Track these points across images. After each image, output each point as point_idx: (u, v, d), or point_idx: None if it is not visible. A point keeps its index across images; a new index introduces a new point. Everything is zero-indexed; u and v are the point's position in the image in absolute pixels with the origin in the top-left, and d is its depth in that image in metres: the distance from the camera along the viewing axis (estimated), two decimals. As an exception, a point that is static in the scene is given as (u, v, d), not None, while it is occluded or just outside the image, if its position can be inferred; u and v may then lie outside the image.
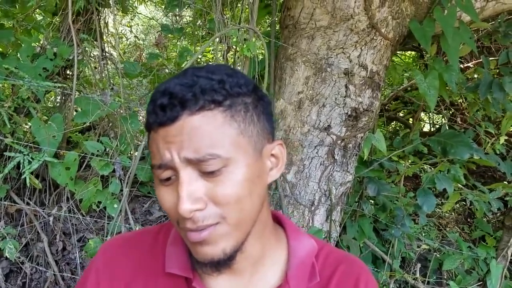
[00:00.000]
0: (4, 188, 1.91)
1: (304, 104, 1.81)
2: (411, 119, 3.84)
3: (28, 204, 2.02)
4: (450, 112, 3.55)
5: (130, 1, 3.39)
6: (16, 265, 1.94)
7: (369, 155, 2.10)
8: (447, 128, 2.85)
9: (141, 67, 2.34)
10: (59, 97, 2.46)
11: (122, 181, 1.88)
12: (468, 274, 2.61)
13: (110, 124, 2.31)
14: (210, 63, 3.22)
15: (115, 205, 1.86)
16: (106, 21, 2.40)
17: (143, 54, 4.51)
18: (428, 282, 2.49)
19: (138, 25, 4.91)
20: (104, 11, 2.33)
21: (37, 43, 2.18)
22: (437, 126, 4.17)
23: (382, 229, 2.59)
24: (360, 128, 1.86)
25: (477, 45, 3.05)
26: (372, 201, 2.50)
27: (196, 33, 2.80)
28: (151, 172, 2.06)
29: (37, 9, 2.40)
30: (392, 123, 4.41)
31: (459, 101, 3.54)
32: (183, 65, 2.31)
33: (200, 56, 2.96)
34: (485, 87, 2.15)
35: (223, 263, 0.61)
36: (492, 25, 2.39)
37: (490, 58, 2.49)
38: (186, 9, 3.09)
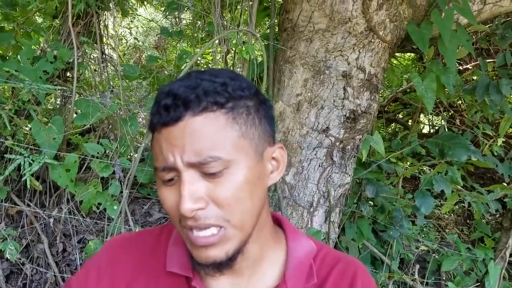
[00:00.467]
0: (4, 190, 1.92)
1: (303, 106, 1.82)
2: (410, 120, 3.85)
3: (28, 205, 2.03)
4: (449, 114, 3.56)
5: (130, 3, 3.40)
6: (16, 266, 1.95)
7: (368, 157, 2.11)
8: (446, 130, 2.86)
9: (141, 69, 2.35)
10: (59, 100, 2.47)
11: (122, 183, 1.89)
12: (466, 275, 2.62)
13: (110, 126, 2.33)
14: (209, 65, 3.23)
15: (115, 207, 1.88)
16: (106, 24, 2.41)
17: (143, 56, 4.52)
18: (427, 283, 2.50)
19: (137, 27, 4.92)
20: (104, 14, 2.35)
21: (38, 46, 2.19)
22: (437, 127, 4.19)
23: (381, 231, 2.60)
24: (359, 130, 1.87)
25: (476, 47, 3.07)
26: (371, 203, 2.51)
27: (195, 35, 2.81)
28: (151, 174, 2.07)
29: (37, 12, 2.41)
30: (392, 125, 4.42)
31: (458, 102, 3.55)
32: (182, 67, 2.32)
33: (199, 58, 2.97)
34: (483, 89, 2.17)
35: (225, 264, 0.62)
36: (490, 27, 2.40)
37: (489, 60, 2.50)
38: (185, 11, 3.10)
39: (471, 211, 3.54)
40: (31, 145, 1.80)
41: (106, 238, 1.89)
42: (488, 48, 3.07)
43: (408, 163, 2.63)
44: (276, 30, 2.06)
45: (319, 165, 1.83)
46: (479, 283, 2.54)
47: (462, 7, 1.77)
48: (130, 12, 3.67)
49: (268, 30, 2.12)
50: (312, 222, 1.86)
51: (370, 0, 1.72)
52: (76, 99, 1.93)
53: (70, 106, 2.08)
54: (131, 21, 4.53)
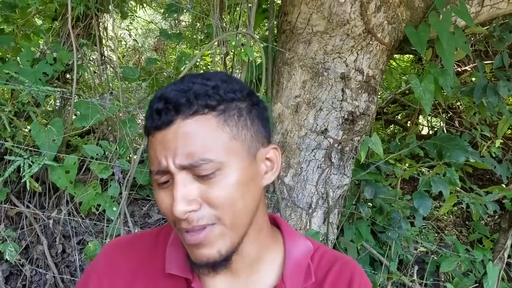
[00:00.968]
0: (4, 192, 1.92)
1: (301, 108, 1.83)
2: (408, 122, 3.86)
3: (28, 207, 2.04)
4: (448, 116, 3.57)
5: (129, 5, 3.41)
6: (16, 267, 1.95)
7: (366, 158, 2.12)
8: (444, 132, 2.87)
9: (140, 71, 2.36)
10: (58, 101, 2.47)
11: (121, 184, 1.89)
12: (465, 276, 2.62)
13: (109, 128, 2.33)
14: (209, 67, 3.24)
15: (114, 208, 1.88)
16: (106, 26, 2.42)
17: (142, 57, 4.53)
18: (426, 284, 2.51)
19: (136, 28, 4.93)
20: (103, 16, 2.36)
21: (37, 48, 2.20)
22: (436, 129, 4.20)
23: (380, 232, 2.60)
24: (357, 132, 1.88)
25: (474, 49, 3.08)
26: (370, 204, 2.51)
27: (194, 37, 2.82)
28: (150, 176, 2.08)
29: (37, 15, 2.42)
30: (390, 126, 4.43)
31: (456, 104, 3.56)
32: (182, 69, 2.33)
33: (198, 60, 2.98)
34: (480, 91, 2.18)
35: (219, 264, 0.63)
36: (487, 29, 2.41)
37: (486, 62, 2.51)
38: (185, 13, 3.11)
39: (470, 212, 3.54)
40: (30, 147, 1.81)
41: (106, 239, 1.90)
42: (486, 50, 3.08)
43: (407, 164, 2.64)
44: (275, 32, 2.07)
45: (318, 167, 1.84)
46: (477, 284, 2.54)
47: (459, 9, 1.77)
48: (129, 14, 3.68)
49: (267, 32, 2.12)
50: (311, 223, 1.87)
51: (368, 3, 1.73)
52: (75, 101, 1.93)
53: (69, 108, 2.08)
54: (131, 23, 4.54)
